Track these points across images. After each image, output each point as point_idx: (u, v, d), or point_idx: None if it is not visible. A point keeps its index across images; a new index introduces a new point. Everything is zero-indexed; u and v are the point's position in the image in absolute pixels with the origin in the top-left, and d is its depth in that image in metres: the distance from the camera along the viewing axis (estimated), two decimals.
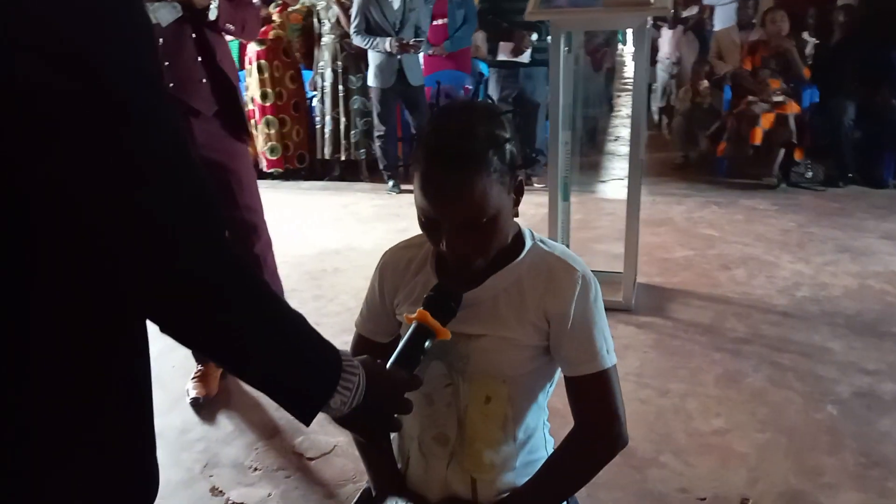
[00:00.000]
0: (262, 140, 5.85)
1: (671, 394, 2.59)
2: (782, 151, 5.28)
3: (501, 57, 5.26)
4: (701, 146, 5.91)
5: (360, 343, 1.28)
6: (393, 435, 1.27)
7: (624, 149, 7.03)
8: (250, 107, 5.87)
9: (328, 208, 5.18)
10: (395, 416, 1.00)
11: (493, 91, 5.47)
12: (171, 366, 2.79)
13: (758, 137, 5.27)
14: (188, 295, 0.69)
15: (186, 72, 2.25)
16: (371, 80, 5.36)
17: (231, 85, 2.36)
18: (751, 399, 2.55)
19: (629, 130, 8.19)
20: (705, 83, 5.91)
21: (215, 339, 0.75)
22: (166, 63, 2.19)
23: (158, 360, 3.10)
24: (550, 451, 1.24)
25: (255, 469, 2.21)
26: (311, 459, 2.24)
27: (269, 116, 5.76)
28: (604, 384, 1.13)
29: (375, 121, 5.49)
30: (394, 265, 1.25)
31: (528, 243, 1.17)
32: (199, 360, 2.63)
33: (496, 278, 1.13)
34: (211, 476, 2.19)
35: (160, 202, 0.64)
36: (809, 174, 5.44)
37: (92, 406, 0.72)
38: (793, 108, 5.26)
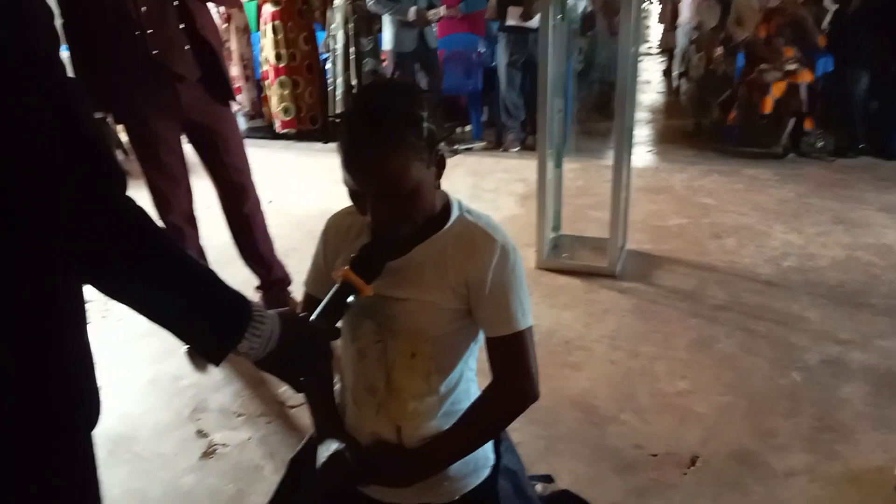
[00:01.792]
0: (275, 101, 5.97)
1: (641, 356, 2.69)
2: (792, 120, 5.25)
3: (511, 22, 5.28)
4: (713, 114, 5.88)
5: (307, 300, 1.40)
6: (336, 384, 1.42)
7: (641, 115, 7.01)
8: (264, 68, 5.98)
9: (337, 169, 5.26)
10: (318, 361, 1.14)
11: (501, 55, 5.50)
12: None
13: (768, 106, 5.25)
14: (87, 237, 0.81)
15: (169, 39, 2.35)
16: (387, 44, 5.42)
17: (213, 51, 2.47)
18: (719, 364, 2.64)
19: (645, 96, 8.14)
20: (720, 50, 5.86)
21: (118, 284, 0.88)
22: (149, 31, 2.30)
23: None
24: None
25: (240, 415, 2.38)
26: (291, 407, 2.40)
27: (283, 77, 5.86)
28: (517, 344, 1.24)
29: None
30: (336, 229, 1.37)
31: (455, 214, 1.27)
32: None
33: (422, 247, 1.24)
34: (198, 420, 2.36)
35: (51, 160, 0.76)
36: (820, 144, 5.40)
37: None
38: (805, 77, 5.21)
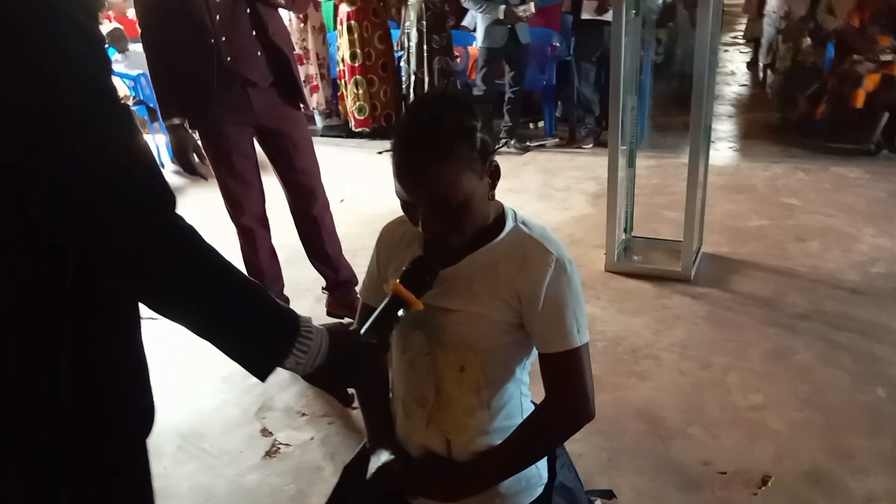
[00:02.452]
0: (350, 100, 6.05)
1: (713, 367, 2.60)
2: (886, 115, 4.94)
3: (585, 15, 5.17)
4: (800, 108, 5.61)
5: (364, 309, 1.41)
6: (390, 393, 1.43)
7: (723, 108, 6.76)
8: (340, 67, 6.07)
9: None
10: (365, 375, 1.15)
11: (576, 50, 5.41)
12: None
13: (860, 100, 4.95)
14: (137, 258, 0.84)
15: (242, 46, 2.41)
16: (480, 41, 5.42)
17: (285, 57, 2.51)
18: (796, 376, 2.52)
19: (729, 88, 7.82)
20: (808, 40, 5.57)
21: (168, 303, 0.91)
22: (223, 38, 2.36)
23: None
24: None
25: (303, 414, 2.43)
26: (354, 409, 2.42)
27: (358, 77, 5.93)
28: (572, 362, 1.21)
29: (478, 80, 5.55)
30: (389, 238, 1.38)
31: (509, 225, 1.25)
32: None
33: (473, 257, 1.23)
34: (264, 418, 2.43)
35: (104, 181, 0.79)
36: None
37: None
38: None
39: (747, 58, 9.05)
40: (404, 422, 1.35)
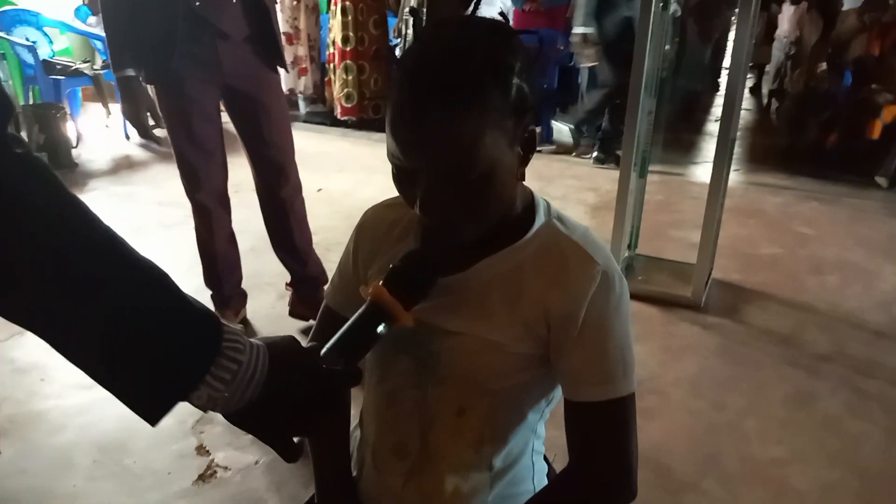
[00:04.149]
0: (338, 86, 5.68)
1: (728, 409, 2.26)
2: None
3: None
4: (810, 134, 5.34)
5: (327, 316, 1.05)
6: (354, 433, 1.06)
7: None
8: (331, 50, 5.70)
9: None
10: (324, 418, 0.77)
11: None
12: None
13: (876, 131, 4.71)
14: None
15: None
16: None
17: (265, 7, 2.14)
18: (822, 427, 2.19)
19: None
20: (823, 65, 5.32)
21: None
22: None
23: None
24: (540, 485, 0.98)
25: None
26: None
27: (349, 62, 5.57)
28: (614, 417, 0.86)
29: None
30: (373, 227, 1.01)
31: (541, 219, 0.90)
32: (218, 305, 2.48)
33: (492, 261, 0.87)
34: (201, 433, 2.03)
35: None
36: None
37: None
38: None
39: (750, 83, 8.83)
40: (373, 476, 0.99)
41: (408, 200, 0.82)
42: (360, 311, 0.82)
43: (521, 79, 0.78)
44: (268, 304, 2.74)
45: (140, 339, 0.62)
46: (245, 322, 2.60)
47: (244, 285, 2.58)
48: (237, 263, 2.50)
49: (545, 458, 1.04)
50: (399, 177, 0.82)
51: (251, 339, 0.70)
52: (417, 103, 0.75)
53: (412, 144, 0.76)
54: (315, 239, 2.61)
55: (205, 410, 0.66)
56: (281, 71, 2.32)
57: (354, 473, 1.03)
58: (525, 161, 0.84)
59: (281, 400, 0.71)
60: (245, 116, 2.25)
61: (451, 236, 0.84)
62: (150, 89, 2.21)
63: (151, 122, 2.19)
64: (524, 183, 0.88)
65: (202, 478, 1.87)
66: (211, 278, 2.45)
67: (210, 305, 2.47)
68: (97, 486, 1.83)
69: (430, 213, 0.79)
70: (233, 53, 2.13)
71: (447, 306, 0.88)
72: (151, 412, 0.63)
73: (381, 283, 0.82)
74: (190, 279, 2.53)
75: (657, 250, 3.42)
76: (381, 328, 0.81)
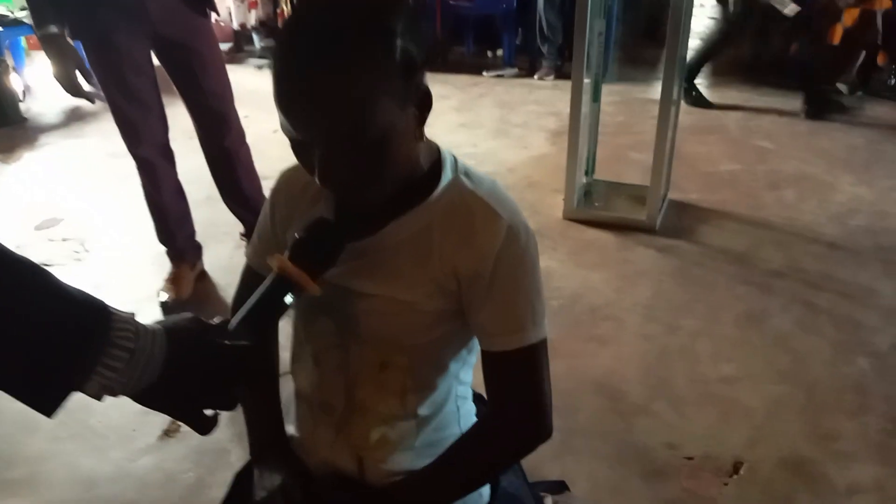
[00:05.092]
0: None
1: (681, 331, 2.32)
2: (863, 54, 4.65)
3: None
4: (774, 44, 5.27)
5: (248, 276, 1.07)
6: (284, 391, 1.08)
7: (692, 42, 6.38)
8: None
9: None
10: (232, 394, 0.79)
11: None
12: (149, 262, 2.65)
13: (837, 36, 4.64)
14: None
15: None
16: None
17: None
18: (772, 344, 2.26)
19: (696, 21, 7.42)
20: None
21: None
22: None
23: (128, 253, 2.88)
24: (466, 427, 1.02)
25: None
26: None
27: None
28: (526, 363, 0.90)
29: None
30: (287, 189, 1.01)
31: (447, 176, 0.90)
32: (173, 259, 2.46)
33: (401, 222, 0.88)
34: None
35: None
36: (893, 82, 4.81)
37: None
38: (883, 4, 4.57)
39: None
40: (308, 427, 1.02)
41: (308, 171, 0.82)
42: (266, 282, 0.82)
43: (405, 38, 0.76)
44: (225, 255, 2.73)
45: (21, 336, 0.62)
46: (203, 275, 2.59)
47: (200, 237, 2.56)
48: (187, 216, 2.47)
49: (479, 397, 1.07)
50: (296, 149, 0.81)
51: (147, 325, 0.70)
52: (300, 73, 0.73)
53: (301, 117, 0.75)
54: (269, 183, 2.57)
55: (99, 398, 0.67)
56: (231, 5, 2.24)
57: (291, 426, 1.06)
58: (422, 120, 0.83)
59: (182, 379, 0.72)
60: (179, 66, 2.19)
61: (356, 203, 0.84)
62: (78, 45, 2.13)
63: (83, 81, 2.12)
64: (430, 139, 0.88)
65: (167, 433, 1.90)
66: (163, 233, 2.43)
67: (165, 260, 2.48)
68: (62, 446, 1.86)
69: (329, 183, 0.79)
70: (159, 1, 2.04)
71: (360, 269, 0.89)
72: (44, 405, 0.64)
73: (286, 254, 0.82)
74: (147, 234, 2.52)
75: (617, 174, 3.42)
76: (288, 298, 0.81)
